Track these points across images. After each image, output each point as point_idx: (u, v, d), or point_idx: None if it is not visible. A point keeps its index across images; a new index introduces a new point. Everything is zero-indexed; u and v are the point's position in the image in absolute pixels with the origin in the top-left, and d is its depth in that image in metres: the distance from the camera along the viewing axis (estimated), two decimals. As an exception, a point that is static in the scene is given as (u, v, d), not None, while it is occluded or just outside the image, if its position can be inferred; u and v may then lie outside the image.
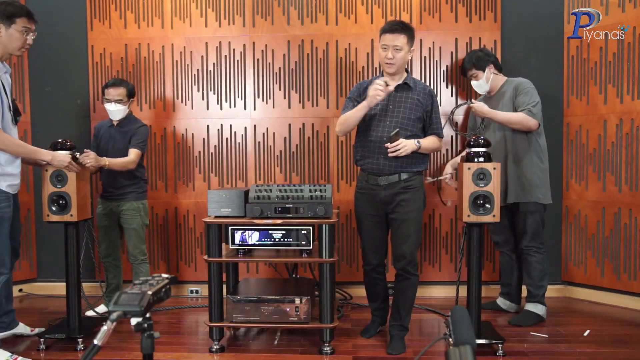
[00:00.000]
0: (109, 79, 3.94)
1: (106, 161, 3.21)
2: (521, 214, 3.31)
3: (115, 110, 3.41)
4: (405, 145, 2.69)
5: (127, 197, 3.46)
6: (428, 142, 2.82)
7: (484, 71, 3.40)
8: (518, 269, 3.48)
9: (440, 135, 2.90)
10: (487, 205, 2.73)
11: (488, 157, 2.77)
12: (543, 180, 3.29)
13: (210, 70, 3.95)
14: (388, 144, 2.69)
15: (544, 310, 3.32)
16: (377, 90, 2.63)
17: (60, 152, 2.89)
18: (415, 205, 2.81)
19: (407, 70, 2.91)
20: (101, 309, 3.55)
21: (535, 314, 3.29)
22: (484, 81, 3.41)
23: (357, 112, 2.75)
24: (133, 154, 3.38)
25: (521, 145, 3.27)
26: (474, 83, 3.48)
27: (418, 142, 2.74)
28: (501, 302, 3.56)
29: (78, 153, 2.97)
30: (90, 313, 3.40)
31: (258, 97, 3.94)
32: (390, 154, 2.71)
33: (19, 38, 2.68)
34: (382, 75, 2.88)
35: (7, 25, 2.65)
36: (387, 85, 2.67)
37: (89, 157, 3.00)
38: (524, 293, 3.57)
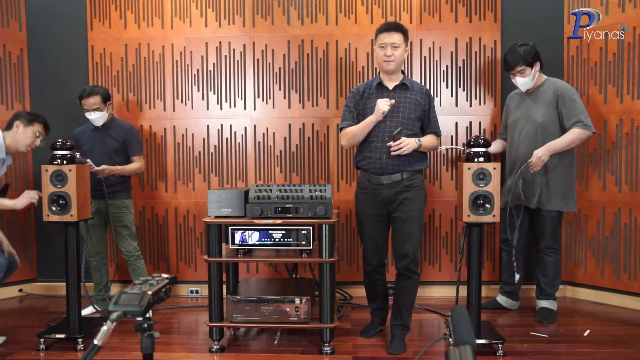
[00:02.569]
0: (109, 79, 3.97)
1: (118, 169, 3.45)
2: (542, 218, 3.34)
3: (97, 118, 3.49)
4: (408, 144, 2.73)
5: (118, 195, 3.56)
6: (428, 140, 2.86)
7: (532, 68, 3.29)
8: (523, 269, 3.49)
9: (438, 134, 2.94)
10: (487, 205, 2.73)
11: (488, 157, 2.77)
12: (569, 190, 3.33)
13: (210, 70, 3.95)
14: (391, 143, 2.72)
15: (556, 305, 3.46)
16: (385, 106, 2.72)
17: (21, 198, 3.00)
18: (417, 203, 2.84)
19: (403, 72, 2.93)
20: (88, 310, 3.49)
21: (552, 310, 3.40)
22: (530, 78, 3.30)
23: (366, 127, 2.81)
24: (140, 161, 3.61)
25: (564, 154, 3.27)
26: (519, 79, 3.31)
27: (419, 140, 2.79)
28: (503, 300, 3.56)
29: (78, 153, 2.98)
30: (85, 312, 3.39)
31: (258, 97, 3.94)
32: (393, 153, 2.74)
33: (31, 137, 3.12)
34: (379, 77, 2.91)
35: (25, 124, 3.11)
36: (392, 102, 2.77)
37: (104, 172, 3.35)
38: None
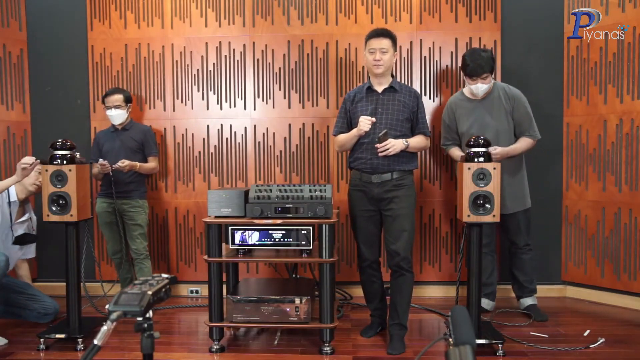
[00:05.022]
0: (109, 79, 3.98)
1: (137, 165, 3.57)
2: (515, 219, 3.43)
3: (116, 115, 3.62)
4: (394, 145, 2.80)
5: (133, 194, 3.66)
6: (416, 141, 2.93)
7: (492, 74, 3.30)
8: (498, 269, 3.58)
9: (427, 134, 2.99)
10: (487, 205, 2.73)
11: (488, 157, 2.77)
12: (525, 190, 3.47)
13: (210, 70, 3.95)
14: (377, 145, 2.79)
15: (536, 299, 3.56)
16: (366, 126, 2.82)
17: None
18: (407, 202, 2.89)
19: (392, 75, 3.00)
20: None
21: (536, 305, 3.49)
22: (489, 85, 3.30)
23: (352, 139, 2.93)
24: (155, 161, 3.73)
25: (515, 159, 3.39)
26: (480, 86, 3.27)
27: (406, 141, 2.86)
28: (484, 302, 3.48)
29: (78, 153, 2.98)
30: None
31: (258, 97, 3.94)
32: (380, 154, 2.82)
33: (34, 175, 3.22)
34: (369, 80, 2.98)
35: None
36: (373, 120, 2.85)
37: (125, 165, 3.47)
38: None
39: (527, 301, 3.49)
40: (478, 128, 3.33)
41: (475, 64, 3.23)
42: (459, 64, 3.83)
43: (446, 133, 3.49)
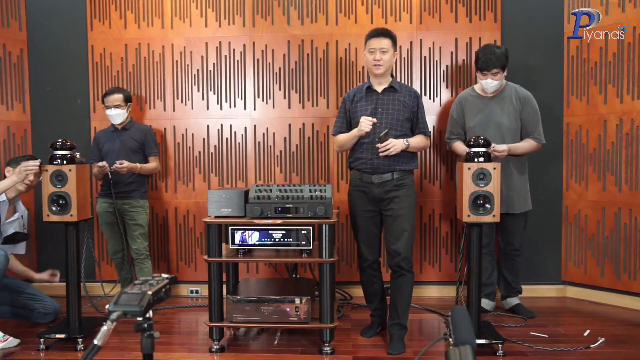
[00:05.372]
0: (109, 79, 3.98)
1: (137, 166, 3.57)
2: (519, 219, 3.45)
3: (116, 115, 3.62)
4: (395, 145, 2.80)
5: (134, 194, 3.66)
6: (416, 141, 2.93)
7: (504, 72, 3.31)
8: (497, 269, 3.59)
9: (426, 134, 3.00)
10: (487, 205, 2.73)
11: (488, 157, 2.77)
12: (527, 191, 3.49)
13: (210, 70, 3.95)
14: (379, 144, 2.79)
15: None
16: (367, 127, 2.81)
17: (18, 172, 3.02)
18: (408, 202, 2.89)
19: (392, 75, 3.00)
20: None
21: (521, 304, 3.54)
22: (500, 82, 3.30)
23: (352, 139, 2.93)
24: (155, 161, 3.73)
25: (522, 160, 3.43)
26: (490, 82, 3.27)
27: (407, 141, 2.86)
28: (485, 302, 3.50)
29: (78, 153, 2.98)
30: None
31: (258, 97, 3.94)
32: (381, 154, 2.82)
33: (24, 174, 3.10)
34: (369, 80, 2.98)
35: (14, 165, 3.24)
36: (374, 121, 2.84)
37: (123, 167, 3.45)
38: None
39: (514, 300, 3.53)
40: (486, 125, 3.33)
41: (487, 57, 3.24)
42: (459, 64, 3.85)
43: (452, 127, 3.49)
